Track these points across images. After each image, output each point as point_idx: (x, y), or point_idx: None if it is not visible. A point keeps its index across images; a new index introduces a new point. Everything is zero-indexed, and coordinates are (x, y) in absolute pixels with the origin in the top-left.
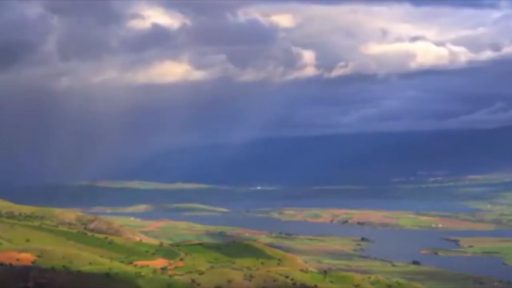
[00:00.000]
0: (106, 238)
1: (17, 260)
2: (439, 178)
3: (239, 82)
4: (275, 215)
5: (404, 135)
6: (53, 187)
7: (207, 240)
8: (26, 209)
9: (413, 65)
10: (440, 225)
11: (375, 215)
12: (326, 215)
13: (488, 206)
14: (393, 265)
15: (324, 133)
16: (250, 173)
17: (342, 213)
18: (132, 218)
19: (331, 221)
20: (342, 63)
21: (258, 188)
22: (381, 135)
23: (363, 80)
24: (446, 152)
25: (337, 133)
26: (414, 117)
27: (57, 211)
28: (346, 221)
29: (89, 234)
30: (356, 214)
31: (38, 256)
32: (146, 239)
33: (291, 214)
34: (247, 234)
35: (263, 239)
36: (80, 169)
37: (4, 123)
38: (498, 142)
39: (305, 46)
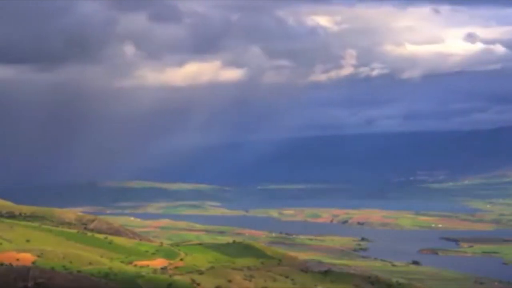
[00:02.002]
0: (106, 238)
1: (17, 260)
2: (439, 178)
3: (272, 82)
4: (275, 215)
5: (405, 135)
6: (80, 186)
7: (207, 239)
8: (26, 209)
9: (448, 65)
10: (440, 225)
11: (375, 215)
12: (326, 215)
13: (488, 206)
14: (393, 265)
15: (329, 134)
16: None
17: (342, 213)
18: (132, 218)
19: (331, 221)
20: (371, 64)
21: (259, 187)
22: (383, 135)
23: (385, 81)
24: (446, 152)
25: (340, 134)
26: (418, 118)
27: (57, 211)
28: (346, 221)
29: (89, 234)
30: (356, 214)
31: (38, 256)
32: (146, 239)
33: (291, 214)
34: (247, 234)
35: (263, 239)
36: (107, 168)
37: (43, 121)
38: (498, 142)
39: (341, 47)
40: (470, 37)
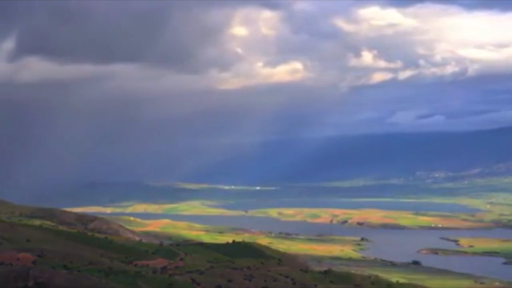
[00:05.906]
0: (106, 238)
1: (17, 260)
2: (439, 178)
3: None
4: (274, 215)
5: (405, 135)
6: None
7: (207, 239)
8: (26, 209)
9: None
10: (440, 225)
11: (375, 215)
12: (325, 215)
13: (488, 206)
14: (393, 265)
15: (333, 135)
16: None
17: (341, 213)
18: (132, 218)
19: (331, 221)
20: (432, 66)
21: (258, 188)
22: (383, 135)
23: (431, 81)
24: (446, 152)
25: (345, 135)
26: (419, 118)
27: (57, 211)
28: (346, 221)
29: (89, 234)
30: (356, 214)
31: (38, 256)
32: (146, 239)
33: (291, 214)
34: (247, 234)
35: (263, 239)
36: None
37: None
38: (498, 142)
39: (406, 48)
40: None
